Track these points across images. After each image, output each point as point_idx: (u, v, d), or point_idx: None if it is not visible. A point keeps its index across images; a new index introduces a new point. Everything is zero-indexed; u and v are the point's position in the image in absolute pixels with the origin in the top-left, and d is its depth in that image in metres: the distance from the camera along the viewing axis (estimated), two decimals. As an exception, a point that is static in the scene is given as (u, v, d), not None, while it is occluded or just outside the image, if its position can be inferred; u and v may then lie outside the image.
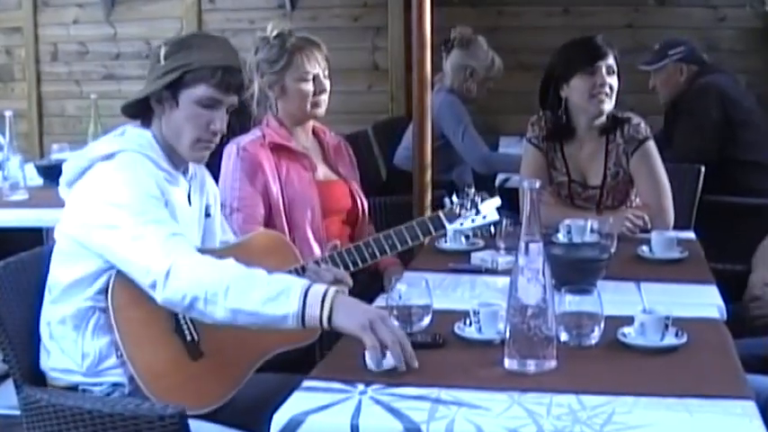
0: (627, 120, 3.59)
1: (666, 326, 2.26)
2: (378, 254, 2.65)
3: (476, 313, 2.31)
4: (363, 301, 2.25)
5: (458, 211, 2.76)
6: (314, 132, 3.48)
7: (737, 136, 4.74)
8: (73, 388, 2.39)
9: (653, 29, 5.96)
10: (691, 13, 6.11)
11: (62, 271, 2.41)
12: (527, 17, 6.34)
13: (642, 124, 3.59)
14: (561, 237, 3.28)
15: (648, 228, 3.39)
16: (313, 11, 6.53)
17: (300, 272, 2.61)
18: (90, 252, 2.35)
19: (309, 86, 3.33)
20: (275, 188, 3.25)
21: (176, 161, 2.53)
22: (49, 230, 2.52)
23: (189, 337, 2.40)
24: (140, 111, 2.52)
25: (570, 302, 2.26)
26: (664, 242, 3.15)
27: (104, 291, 2.34)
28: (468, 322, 2.35)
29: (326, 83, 3.37)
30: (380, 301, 2.61)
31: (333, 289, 2.18)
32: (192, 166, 2.61)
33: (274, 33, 3.34)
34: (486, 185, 4.83)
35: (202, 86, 2.43)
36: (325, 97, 3.37)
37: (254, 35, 3.45)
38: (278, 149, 3.30)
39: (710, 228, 3.76)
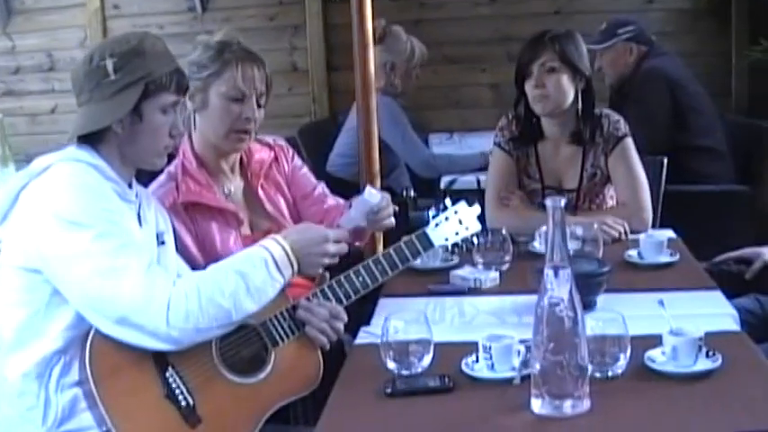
0: (606, 117, 3.35)
1: (700, 347, 2.02)
2: (370, 283, 2.38)
3: (487, 349, 2.03)
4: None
5: (442, 225, 2.50)
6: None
7: (688, 122, 4.59)
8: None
9: (581, 14, 5.78)
10: (619, -3, 5.94)
11: (12, 312, 2.16)
12: (452, 8, 6.05)
13: (621, 121, 3.35)
14: (538, 245, 3.03)
15: (627, 236, 3.15)
16: (226, 11, 6.16)
17: (292, 311, 2.33)
18: (44, 283, 2.12)
19: (235, 108, 2.69)
20: (193, 250, 2.67)
21: (124, 176, 2.28)
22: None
23: (183, 403, 2.14)
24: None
25: (592, 327, 2.00)
26: (653, 246, 2.90)
27: (70, 328, 2.11)
28: (476, 358, 2.07)
29: (257, 112, 2.73)
30: (366, 337, 2.32)
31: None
32: (135, 188, 2.35)
33: (218, 38, 2.76)
34: (428, 188, 4.65)
35: (164, 94, 2.26)
36: (251, 128, 2.73)
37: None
38: (193, 207, 2.69)
39: (674, 220, 3.55)
